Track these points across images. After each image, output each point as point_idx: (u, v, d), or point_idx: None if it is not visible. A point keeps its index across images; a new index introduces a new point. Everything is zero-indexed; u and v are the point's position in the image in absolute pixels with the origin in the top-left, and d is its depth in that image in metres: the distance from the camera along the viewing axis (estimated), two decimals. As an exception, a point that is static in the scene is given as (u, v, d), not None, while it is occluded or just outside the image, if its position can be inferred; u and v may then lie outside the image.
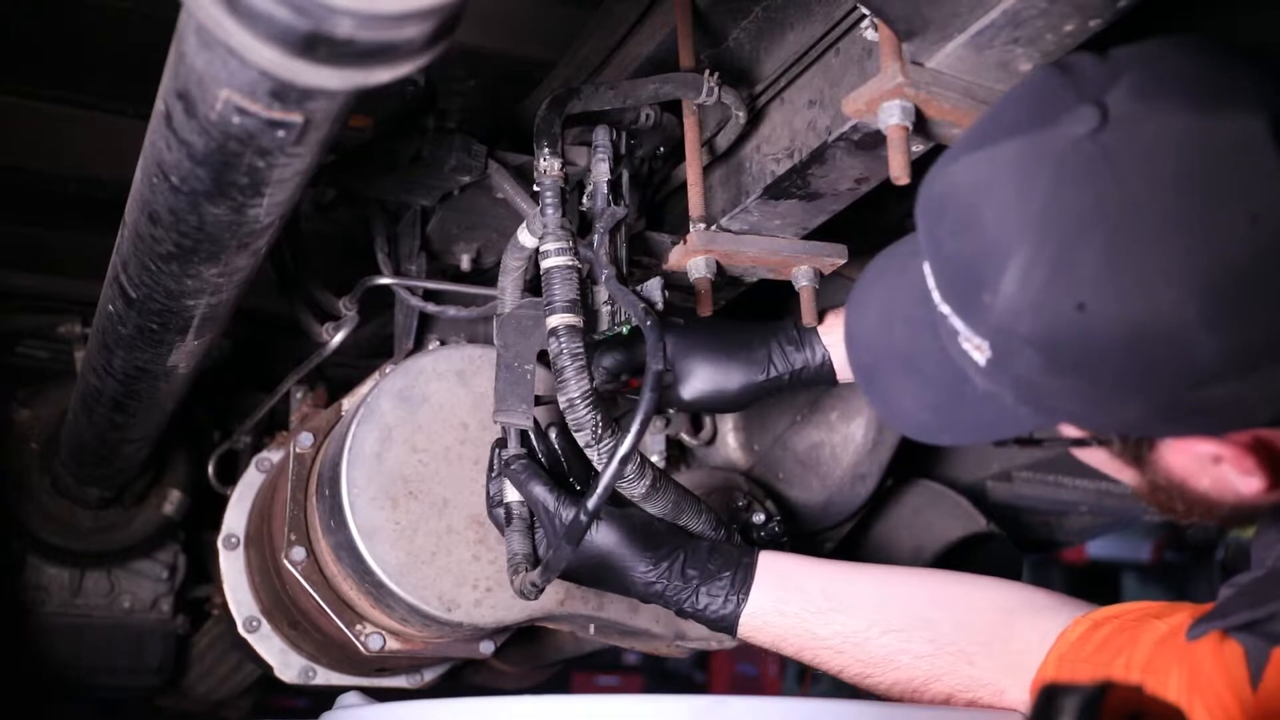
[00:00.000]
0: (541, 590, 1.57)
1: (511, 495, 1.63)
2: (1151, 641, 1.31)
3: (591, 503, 1.42)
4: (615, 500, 1.60)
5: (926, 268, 1.14)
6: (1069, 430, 1.17)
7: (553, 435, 1.64)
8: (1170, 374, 1.01)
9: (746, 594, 1.53)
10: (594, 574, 1.59)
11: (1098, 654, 1.35)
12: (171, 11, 0.93)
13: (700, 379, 1.67)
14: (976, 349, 1.09)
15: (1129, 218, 0.99)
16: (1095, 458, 1.23)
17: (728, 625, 1.55)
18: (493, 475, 1.67)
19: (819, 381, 1.70)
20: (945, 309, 1.11)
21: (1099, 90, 1.03)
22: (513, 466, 1.61)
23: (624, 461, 1.41)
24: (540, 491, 1.58)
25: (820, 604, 1.52)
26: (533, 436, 1.64)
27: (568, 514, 1.55)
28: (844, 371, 1.66)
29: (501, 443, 1.67)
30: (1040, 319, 1.03)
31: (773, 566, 1.56)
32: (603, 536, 1.55)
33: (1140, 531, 6.18)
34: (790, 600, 1.53)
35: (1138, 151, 0.99)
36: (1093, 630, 1.38)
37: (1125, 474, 1.22)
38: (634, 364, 1.69)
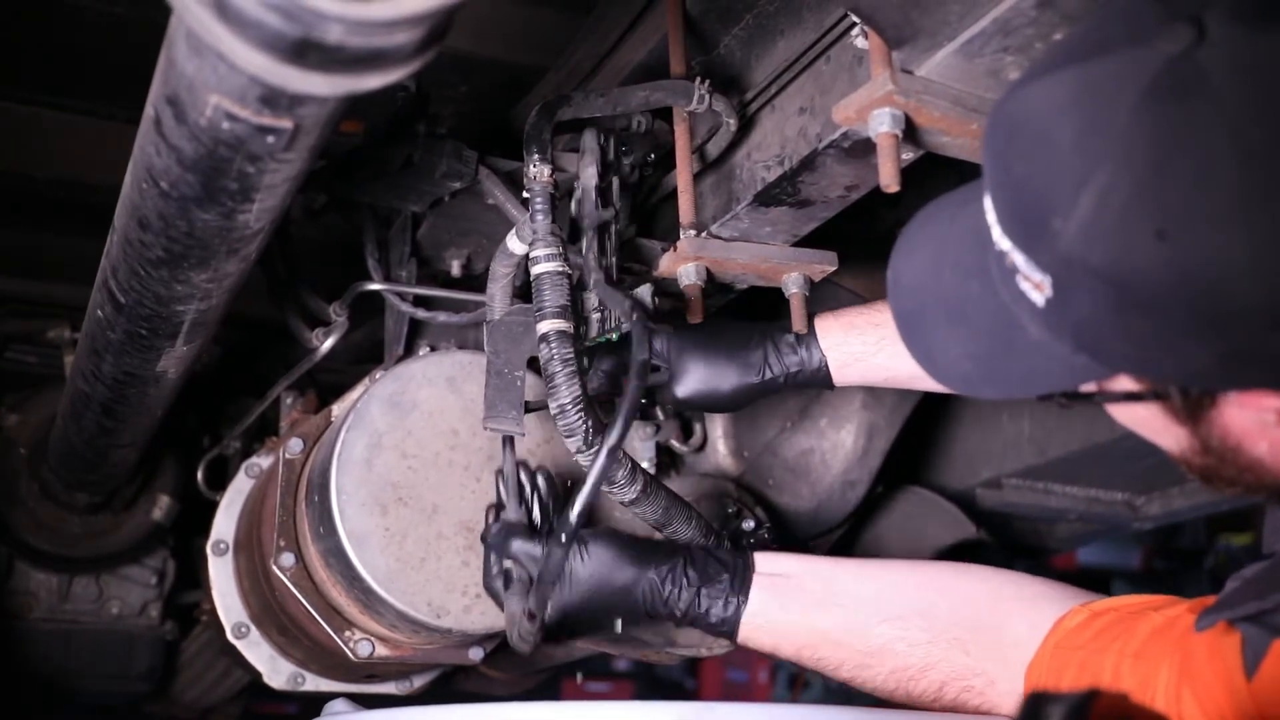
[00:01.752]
0: (539, 632, 1.51)
1: (506, 563, 1.59)
2: (1146, 632, 1.31)
3: (582, 496, 1.39)
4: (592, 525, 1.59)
5: (987, 201, 1.07)
6: (1122, 383, 1.09)
7: (541, 481, 1.64)
8: (1251, 314, 0.94)
9: (746, 594, 1.52)
10: (592, 605, 1.56)
11: (1093, 642, 1.35)
12: (162, 17, 0.93)
13: (694, 378, 1.67)
14: (1036, 287, 1.02)
15: (1221, 141, 0.92)
16: (1141, 416, 1.14)
17: (729, 628, 1.53)
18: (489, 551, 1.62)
19: (815, 385, 1.69)
20: (1006, 244, 1.04)
21: (1194, 8, 0.95)
22: (489, 540, 1.59)
23: (612, 453, 1.39)
24: (521, 545, 1.56)
25: (820, 597, 1.52)
26: (525, 481, 1.63)
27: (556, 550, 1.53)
28: (840, 374, 1.67)
29: (495, 509, 1.65)
30: (1114, 247, 0.95)
31: (770, 566, 1.56)
32: (597, 555, 1.54)
33: (1130, 539, 6.19)
34: (791, 596, 1.53)
35: (1237, 71, 0.92)
36: (1091, 620, 1.38)
37: (1171, 435, 1.13)
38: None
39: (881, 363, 1.64)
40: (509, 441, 1.66)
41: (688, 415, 2.31)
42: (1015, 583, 1.52)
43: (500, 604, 1.58)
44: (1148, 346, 1.00)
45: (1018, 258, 1.03)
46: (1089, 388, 1.12)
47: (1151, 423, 1.14)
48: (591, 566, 1.54)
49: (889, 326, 1.50)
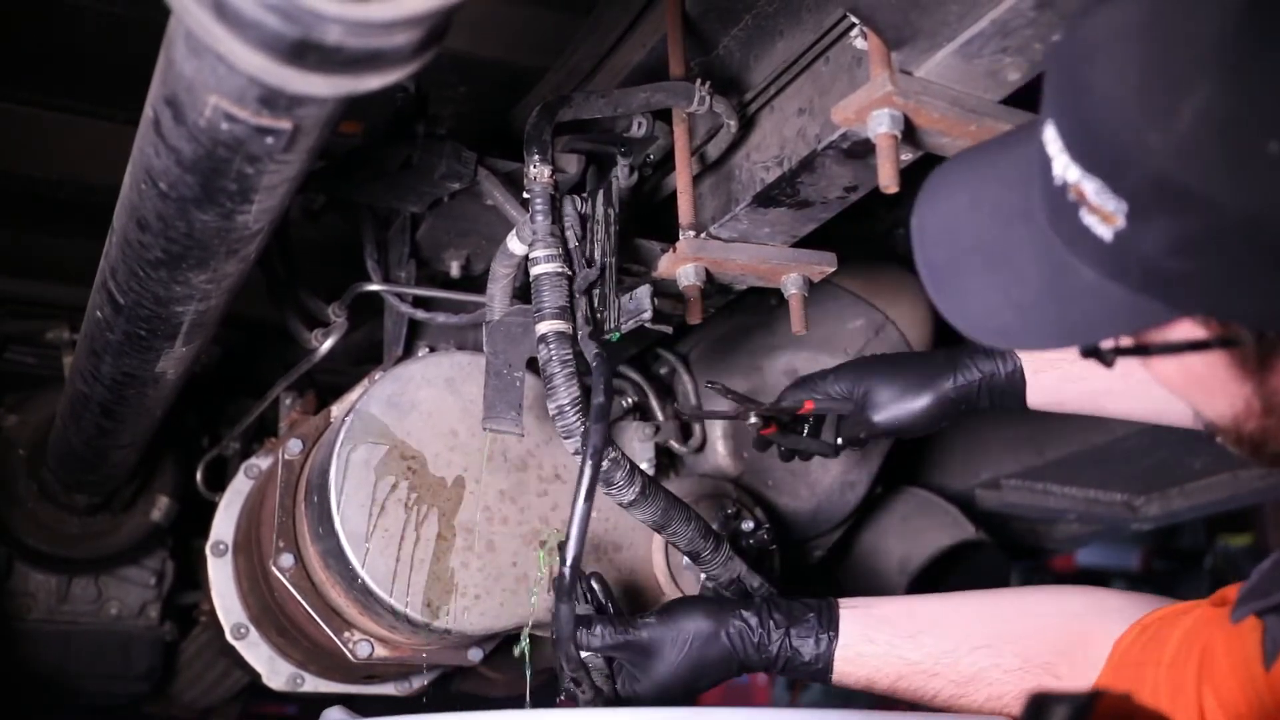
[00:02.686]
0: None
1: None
2: (1177, 639, 1.31)
3: (571, 542, 1.42)
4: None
5: (1049, 131, 0.97)
6: (1183, 330, 1.00)
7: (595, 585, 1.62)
8: None
9: (836, 630, 1.51)
10: (685, 669, 1.53)
11: (1139, 656, 1.35)
12: (162, 17, 0.93)
13: (886, 399, 1.67)
14: (1105, 219, 0.94)
15: None
16: (1196, 373, 1.05)
17: (824, 666, 1.52)
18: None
19: (1010, 392, 1.66)
20: (1074, 173, 0.95)
21: None
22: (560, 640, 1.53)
23: (589, 498, 1.43)
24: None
25: (907, 628, 1.50)
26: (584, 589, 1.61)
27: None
28: (1035, 381, 1.64)
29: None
30: (1212, 165, 0.87)
31: (852, 601, 1.54)
32: (691, 617, 1.53)
33: (1129, 539, 6.19)
34: (877, 629, 1.51)
35: None
36: (1140, 634, 1.38)
37: (1227, 395, 1.05)
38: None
39: (1078, 372, 1.60)
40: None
41: (687, 416, 2.31)
42: (1094, 599, 1.50)
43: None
44: (1227, 281, 0.92)
45: (1088, 185, 0.94)
46: (1142, 338, 1.04)
47: (1208, 380, 1.05)
48: (674, 635, 1.52)
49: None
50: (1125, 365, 1.43)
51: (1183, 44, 0.88)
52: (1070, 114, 0.96)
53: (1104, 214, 0.94)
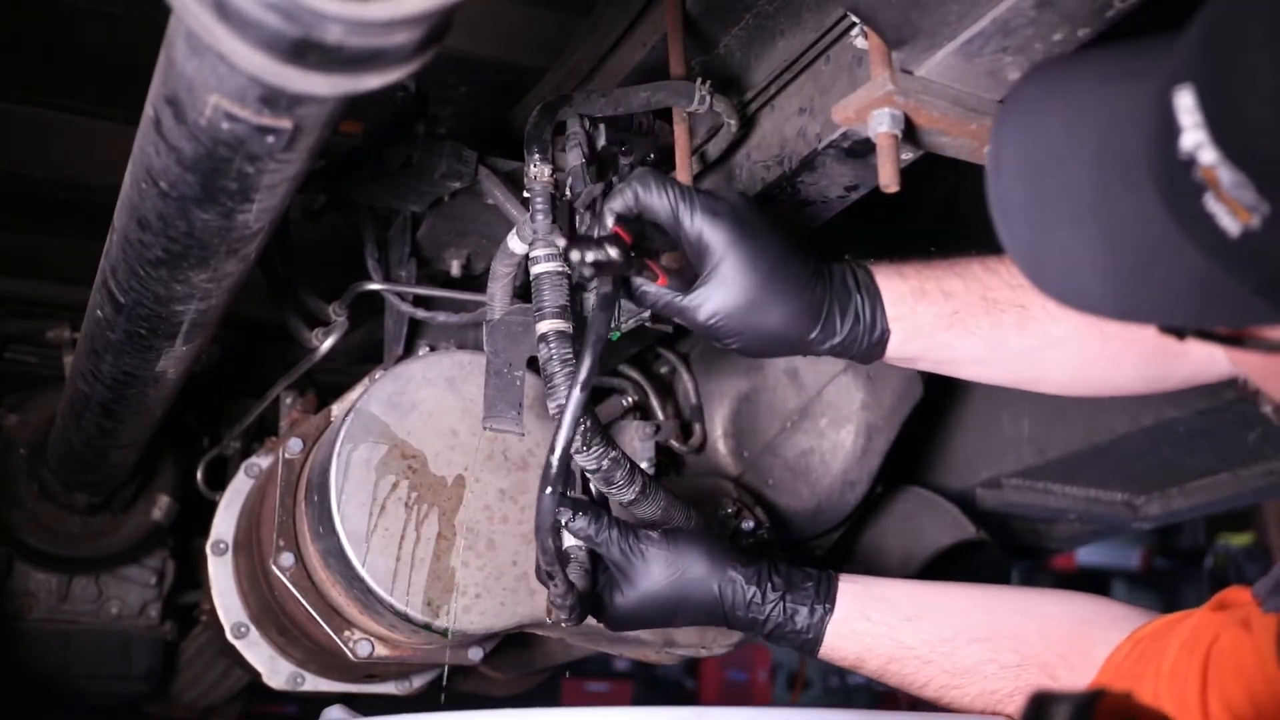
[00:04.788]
0: (575, 606, 1.48)
1: (568, 540, 1.53)
2: (1176, 647, 1.31)
3: (561, 437, 1.36)
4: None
5: (1184, 99, 0.88)
6: None
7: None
8: None
9: (833, 602, 1.48)
10: (665, 597, 1.50)
11: (1134, 668, 1.34)
12: (162, 17, 0.93)
13: (731, 297, 1.37)
14: (1236, 213, 0.86)
15: None
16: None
17: (815, 637, 1.49)
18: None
19: (863, 357, 1.45)
20: (1210, 155, 0.86)
21: None
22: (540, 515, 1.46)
23: (585, 386, 1.35)
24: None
25: (907, 611, 1.48)
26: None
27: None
28: (898, 349, 1.44)
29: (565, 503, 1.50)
30: None
31: (853, 580, 1.52)
32: (692, 551, 1.50)
33: (1129, 539, 6.20)
34: (876, 608, 1.48)
35: None
36: (1133, 647, 1.37)
37: None
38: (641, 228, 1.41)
39: (945, 341, 1.43)
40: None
41: (688, 415, 2.31)
42: (1099, 606, 1.48)
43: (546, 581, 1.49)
44: None
45: (1226, 175, 0.86)
46: (1243, 332, 0.98)
47: None
48: (670, 558, 1.49)
49: (961, 297, 1.40)
50: (1000, 336, 1.41)
51: None
52: (1220, 93, 0.87)
53: (1236, 207, 0.87)
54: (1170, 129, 0.88)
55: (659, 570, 1.49)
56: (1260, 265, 0.88)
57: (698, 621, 1.54)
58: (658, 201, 1.37)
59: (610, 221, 1.37)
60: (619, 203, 1.38)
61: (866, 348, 1.42)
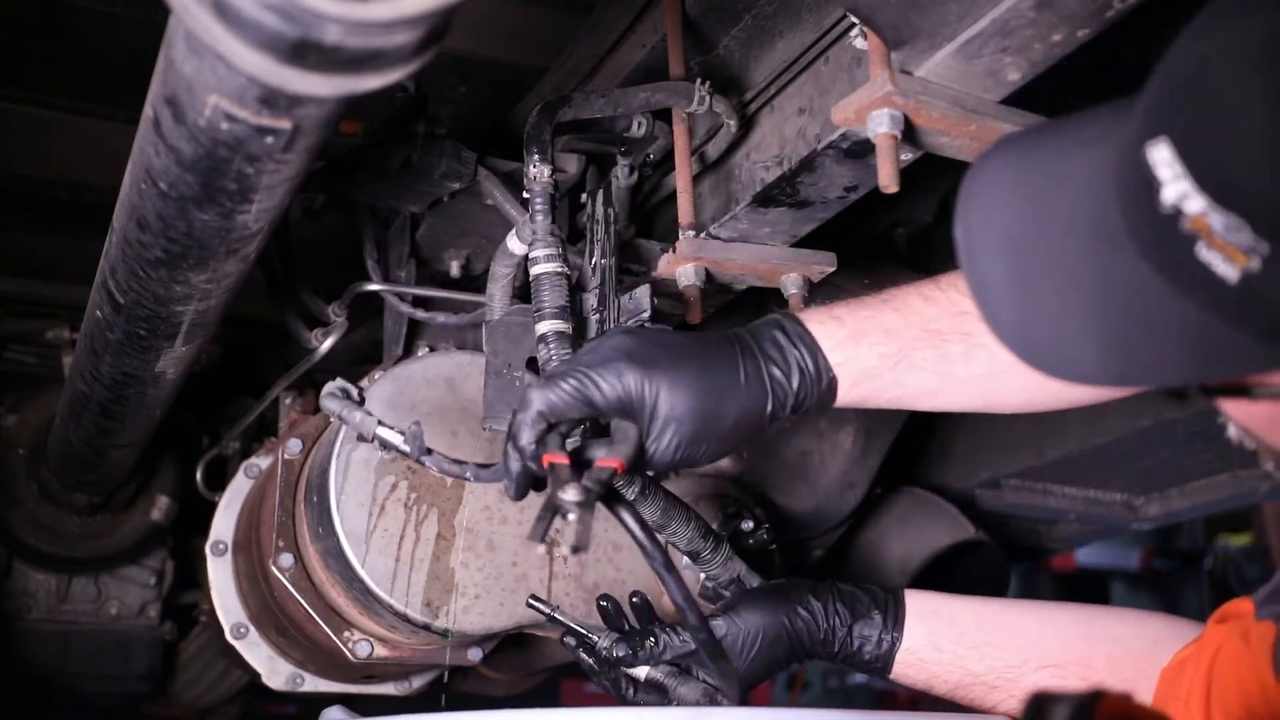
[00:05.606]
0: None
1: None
2: (1189, 669, 1.30)
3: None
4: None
5: (1159, 153, 0.86)
6: None
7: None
8: None
9: (901, 630, 1.48)
10: (760, 660, 1.50)
11: (1166, 692, 1.34)
12: (161, 17, 0.93)
13: (679, 425, 1.28)
14: (1233, 258, 0.84)
15: None
16: None
17: (883, 664, 1.49)
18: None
19: (814, 408, 1.38)
20: (1196, 204, 0.84)
21: None
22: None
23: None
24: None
25: (975, 638, 1.47)
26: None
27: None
28: (846, 396, 1.38)
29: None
30: None
31: (922, 602, 1.51)
32: (756, 614, 1.50)
33: (1129, 539, 6.19)
34: (944, 635, 1.48)
35: None
36: (1168, 672, 1.36)
37: None
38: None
39: (893, 379, 1.37)
40: None
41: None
42: (1167, 623, 1.46)
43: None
44: None
45: (1218, 220, 0.84)
46: (1243, 381, 0.95)
47: None
48: (742, 630, 1.50)
49: (903, 333, 1.36)
50: (947, 367, 1.36)
51: None
52: (1199, 141, 0.85)
53: (1233, 252, 0.84)
54: (1148, 185, 0.87)
55: (741, 649, 1.50)
56: (1263, 309, 0.85)
57: (789, 666, 1.55)
58: (562, 401, 1.28)
59: (534, 452, 1.28)
60: (527, 437, 1.28)
61: (818, 398, 1.36)
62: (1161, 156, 0.86)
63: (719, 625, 1.50)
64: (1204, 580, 6.01)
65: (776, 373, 1.32)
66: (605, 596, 1.63)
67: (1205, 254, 0.85)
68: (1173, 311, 0.89)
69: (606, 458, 1.25)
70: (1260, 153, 0.82)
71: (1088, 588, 6.52)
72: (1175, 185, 0.85)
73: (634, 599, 1.60)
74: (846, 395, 1.37)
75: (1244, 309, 0.86)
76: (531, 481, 1.30)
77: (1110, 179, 0.92)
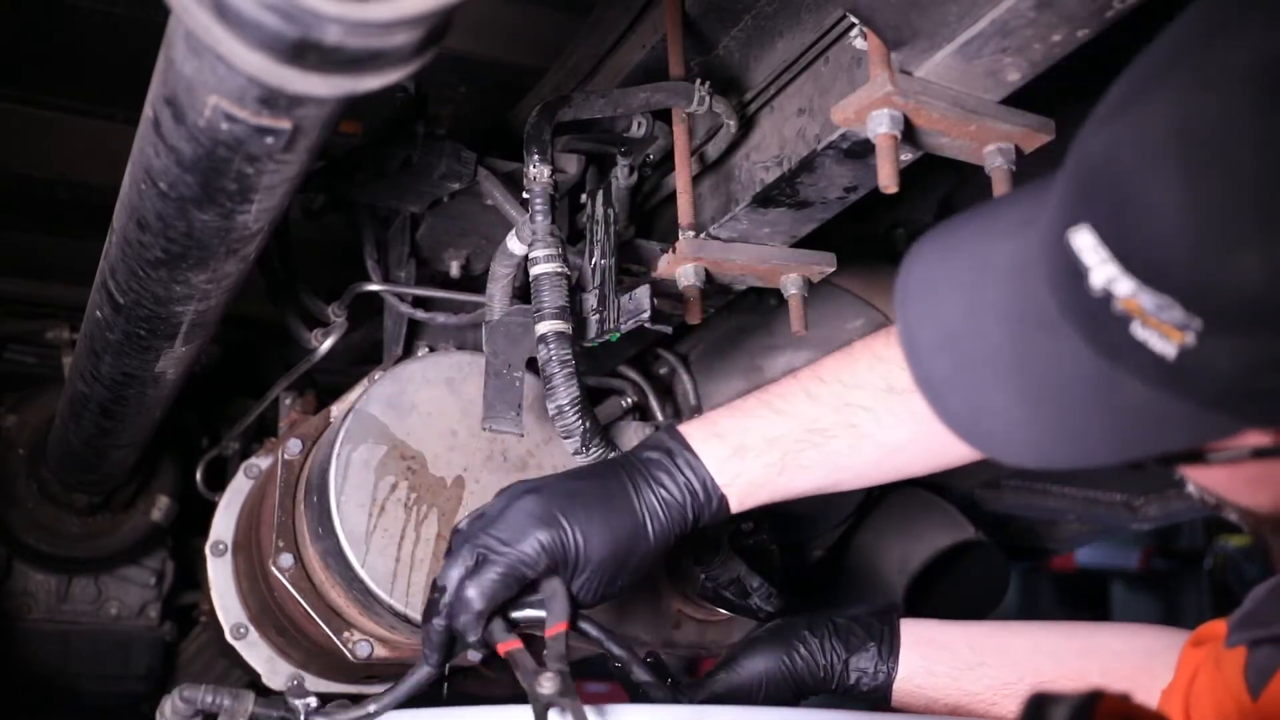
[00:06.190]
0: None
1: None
2: (1171, 690, 1.31)
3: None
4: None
5: (1081, 239, 0.88)
6: (1252, 437, 0.93)
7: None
8: None
9: (896, 660, 1.48)
10: (770, 700, 1.50)
11: (1167, 704, 1.34)
12: (161, 17, 0.93)
13: (595, 570, 1.38)
14: (1168, 335, 0.85)
15: None
16: (1251, 473, 0.99)
17: (881, 695, 1.50)
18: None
19: (713, 525, 1.47)
20: (1125, 286, 0.86)
21: None
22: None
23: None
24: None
25: (969, 659, 1.48)
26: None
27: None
28: (740, 506, 1.44)
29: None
30: None
31: (914, 630, 1.52)
32: (755, 661, 1.50)
33: (1128, 540, 6.19)
34: (938, 660, 1.49)
35: None
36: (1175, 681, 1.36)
37: (1278, 486, 1.00)
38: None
39: (783, 484, 1.42)
40: None
41: (687, 416, 2.31)
42: (1166, 635, 1.46)
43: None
44: None
45: (1149, 300, 0.85)
46: (1199, 448, 0.96)
47: (1261, 479, 1.00)
48: (743, 681, 1.49)
49: (786, 439, 1.39)
50: (835, 461, 1.40)
51: (1263, 153, 0.81)
52: (1119, 225, 0.87)
53: (1168, 329, 0.85)
54: (1076, 271, 0.88)
55: (745, 700, 1.49)
56: (1205, 379, 0.86)
57: (802, 695, 1.54)
58: (498, 591, 1.35)
59: (487, 645, 1.37)
60: (474, 635, 1.36)
61: (711, 516, 1.41)
62: (1085, 242, 0.88)
63: (719, 682, 1.50)
64: (1204, 581, 6.01)
65: (673, 501, 1.39)
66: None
67: (1141, 333, 0.86)
68: (1117, 390, 0.90)
69: (552, 626, 1.33)
70: (1179, 233, 0.83)
71: (1088, 588, 6.53)
72: (1102, 270, 0.87)
73: (648, 659, 1.56)
74: (739, 506, 1.42)
75: (1186, 382, 0.87)
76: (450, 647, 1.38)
77: (1039, 264, 0.93)
